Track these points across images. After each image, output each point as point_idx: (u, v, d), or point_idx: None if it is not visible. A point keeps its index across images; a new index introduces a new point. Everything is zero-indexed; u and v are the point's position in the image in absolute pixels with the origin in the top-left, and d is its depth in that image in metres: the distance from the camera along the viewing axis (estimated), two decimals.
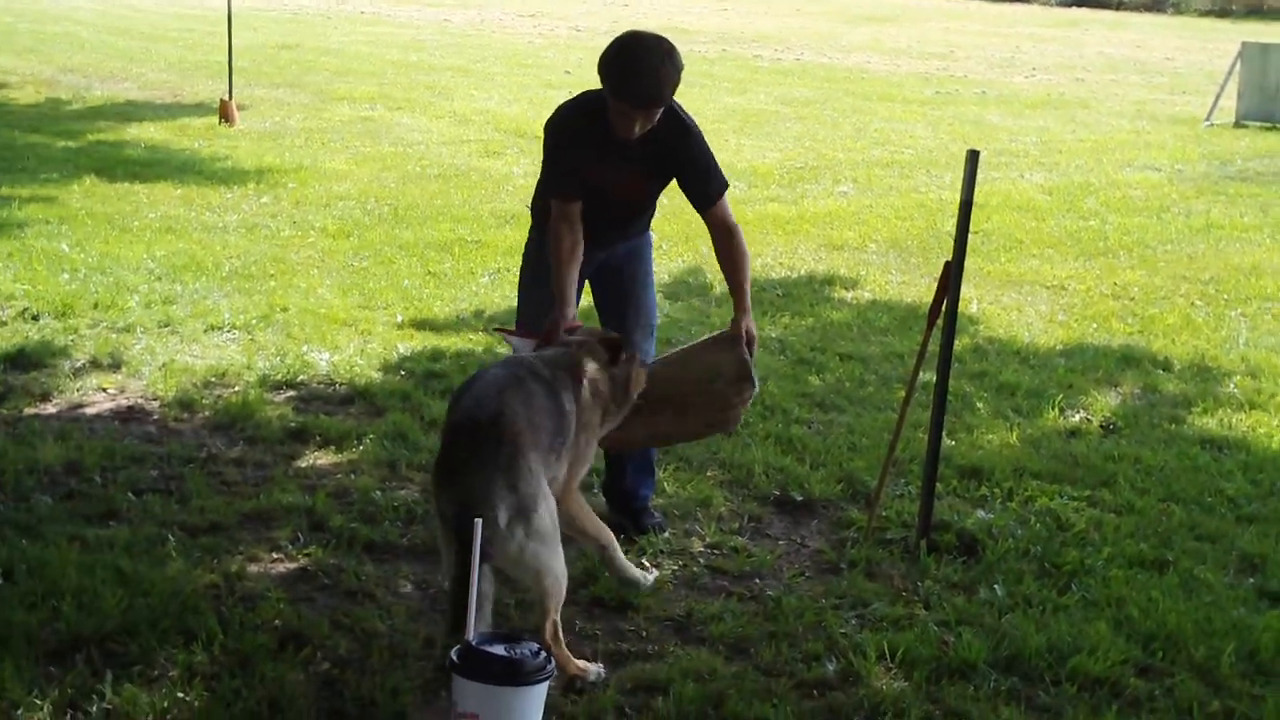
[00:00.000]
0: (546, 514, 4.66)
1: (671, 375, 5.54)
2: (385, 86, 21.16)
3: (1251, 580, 5.78)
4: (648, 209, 5.89)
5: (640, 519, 6.04)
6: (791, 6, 41.30)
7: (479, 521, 4.25)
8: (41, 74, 21.67)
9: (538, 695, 4.19)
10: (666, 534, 6.02)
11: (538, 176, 5.77)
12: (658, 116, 5.38)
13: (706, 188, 5.60)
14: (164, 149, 15.28)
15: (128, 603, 5.03)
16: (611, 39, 5.43)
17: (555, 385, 4.96)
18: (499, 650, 4.17)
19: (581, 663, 4.80)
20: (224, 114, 17.14)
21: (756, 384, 5.52)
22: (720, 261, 5.72)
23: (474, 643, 4.19)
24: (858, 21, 36.42)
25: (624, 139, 5.41)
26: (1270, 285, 10.87)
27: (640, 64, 5.26)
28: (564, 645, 4.77)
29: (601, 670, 4.81)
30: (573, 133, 5.54)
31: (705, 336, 6.04)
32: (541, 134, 5.70)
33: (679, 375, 5.55)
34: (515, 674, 4.13)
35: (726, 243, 5.62)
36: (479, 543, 4.23)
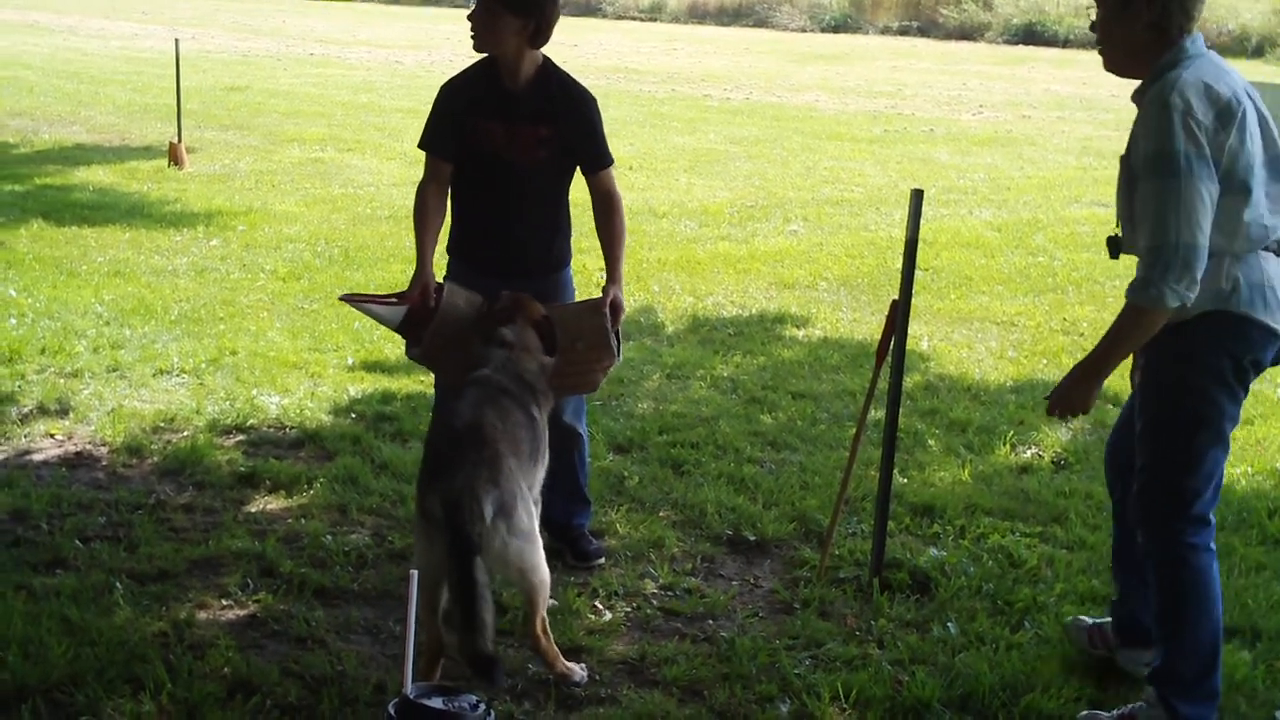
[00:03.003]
0: (525, 514, 4.83)
1: None
2: (335, 128, 21.11)
3: None
4: (550, 189, 5.91)
5: (578, 544, 6.13)
6: (740, 46, 41.42)
7: (414, 574, 4.24)
8: None
9: None
10: (601, 560, 6.11)
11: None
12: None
13: (599, 151, 5.79)
14: (112, 192, 15.18)
15: (74, 652, 4.99)
16: None
17: (522, 397, 5.22)
18: (437, 703, 4.15)
19: (568, 663, 4.96)
20: (173, 157, 17.06)
21: (618, 355, 5.79)
22: (599, 230, 5.87)
23: (411, 695, 4.16)
24: (806, 60, 36.57)
25: (512, 90, 5.61)
26: None
27: None
28: (552, 640, 4.94)
29: (585, 674, 4.98)
30: (459, 87, 5.74)
31: (576, 301, 6.15)
32: None
33: None
34: None
35: (608, 212, 5.82)
36: (414, 592, 4.20)
